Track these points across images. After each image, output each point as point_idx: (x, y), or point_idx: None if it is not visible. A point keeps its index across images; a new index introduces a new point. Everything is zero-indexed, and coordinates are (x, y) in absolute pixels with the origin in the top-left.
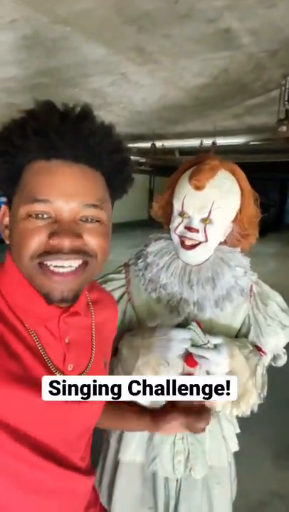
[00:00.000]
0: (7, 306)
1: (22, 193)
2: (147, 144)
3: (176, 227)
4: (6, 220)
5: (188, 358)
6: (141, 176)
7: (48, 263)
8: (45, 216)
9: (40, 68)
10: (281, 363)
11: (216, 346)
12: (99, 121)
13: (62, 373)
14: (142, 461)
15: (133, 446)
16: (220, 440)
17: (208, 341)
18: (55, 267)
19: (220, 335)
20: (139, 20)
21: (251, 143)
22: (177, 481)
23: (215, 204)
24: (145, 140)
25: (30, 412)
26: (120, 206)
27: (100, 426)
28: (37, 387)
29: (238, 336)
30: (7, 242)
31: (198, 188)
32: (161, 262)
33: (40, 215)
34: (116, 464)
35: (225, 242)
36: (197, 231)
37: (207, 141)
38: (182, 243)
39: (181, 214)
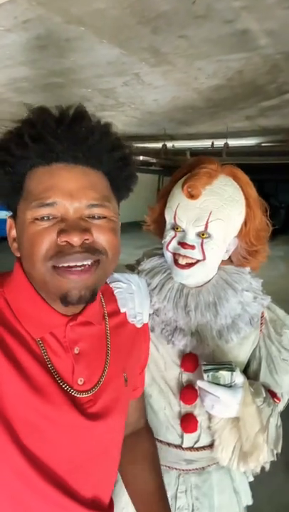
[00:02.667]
0: (13, 315)
1: (26, 200)
2: (158, 145)
3: (169, 243)
4: (13, 232)
5: (187, 392)
6: (151, 176)
7: (61, 265)
8: (50, 217)
9: (53, 68)
10: None
11: (230, 385)
12: (95, 120)
13: (71, 387)
14: None
15: (124, 498)
16: (230, 493)
17: (234, 381)
18: (69, 267)
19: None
20: (155, 21)
21: (263, 144)
22: None
23: (213, 215)
24: (156, 140)
25: (31, 425)
26: (129, 206)
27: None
28: (42, 396)
29: (248, 373)
30: (17, 255)
31: (192, 196)
32: (154, 282)
33: (45, 217)
34: None
35: (231, 262)
36: (193, 247)
37: (218, 142)
38: (176, 261)
39: (174, 227)
